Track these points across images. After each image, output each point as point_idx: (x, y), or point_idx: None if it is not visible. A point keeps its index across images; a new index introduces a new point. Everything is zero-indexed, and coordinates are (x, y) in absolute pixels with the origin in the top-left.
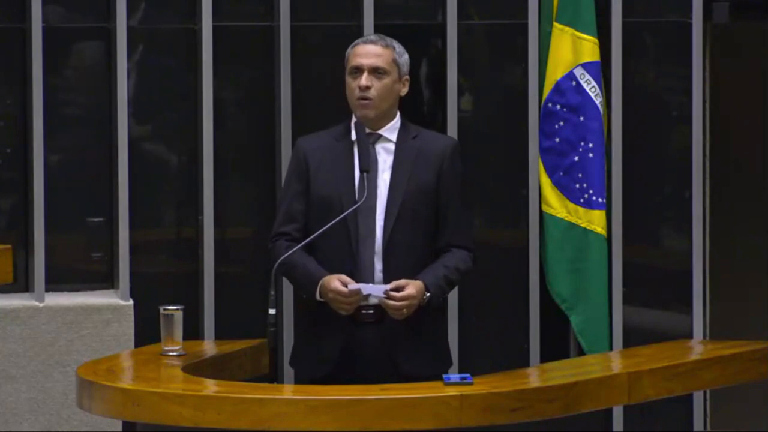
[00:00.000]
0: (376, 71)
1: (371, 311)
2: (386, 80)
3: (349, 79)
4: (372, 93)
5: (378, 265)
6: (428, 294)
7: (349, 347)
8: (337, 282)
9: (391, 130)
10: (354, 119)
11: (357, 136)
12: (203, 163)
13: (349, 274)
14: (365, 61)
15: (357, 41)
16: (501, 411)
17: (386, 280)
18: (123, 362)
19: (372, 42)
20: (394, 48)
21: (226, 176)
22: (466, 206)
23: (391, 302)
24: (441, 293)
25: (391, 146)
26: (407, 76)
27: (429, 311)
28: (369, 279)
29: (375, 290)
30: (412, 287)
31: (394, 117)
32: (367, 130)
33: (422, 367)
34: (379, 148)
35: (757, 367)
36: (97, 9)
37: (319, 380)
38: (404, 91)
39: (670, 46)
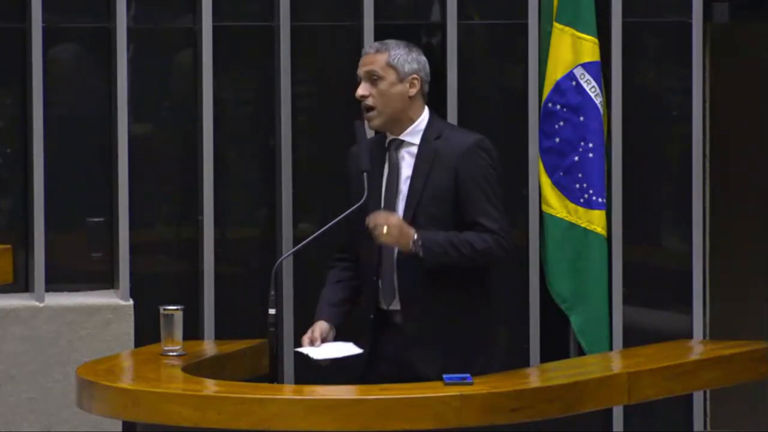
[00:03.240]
0: (370, 78)
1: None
2: (382, 85)
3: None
4: (370, 101)
5: (396, 270)
6: (417, 237)
7: (375, 348)
8: (307, 336)
9: (412, 134)
10: None
11: (356, 137)
12: (203, 163)
13: (375, 276)
14: (360, 71)
15: None
16: (501, 411)
17: (400, 285)
18: (123, 362)
19: (366, 52)
20: (388, 51)
21: (226, 176)
22: (494, 198)
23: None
24: (437, 247)
25: (414, 149)
26: (415, 76)
27: (453, 312)
28: (390, 282)
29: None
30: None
31: (414, 120)
32: (390, 136)
33: (435, 368)
34: (403, 153)
35: (757, 367)
36: (97, 9)
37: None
38: (412, 92)
39: (670, 46)
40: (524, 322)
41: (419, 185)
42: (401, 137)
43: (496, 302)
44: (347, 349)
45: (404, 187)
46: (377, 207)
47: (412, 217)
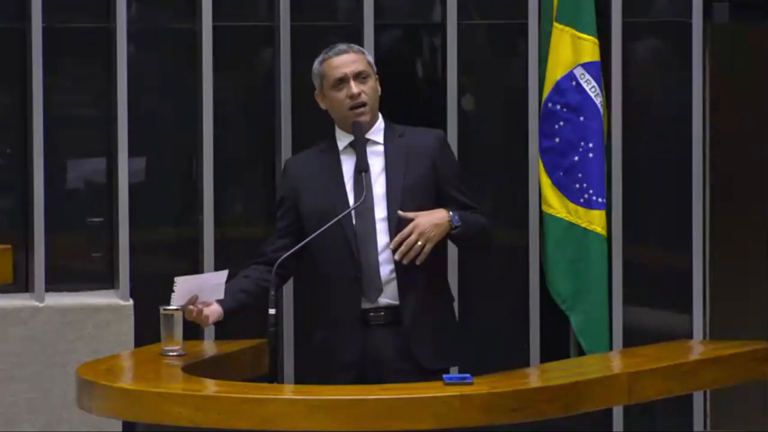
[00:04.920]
0: (360, 76)
1: (381, 313)
2: (371, 82)
3: (333, 93)
4: (364, 98)
5: (386, 266)
6: (451, 214)
7: (367, 352)
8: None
9: (376, 132)
10: (337, 130)
11: (354, 137)
12: (203, 163)
13: (354, 278)
14: (347, 70)
15: (325, 56)
16: (501, 411)
17: (399, 278)
18: (123, 362)
19: (344, 51)
20: (363, 51)
21: (226, 176)
22: (466, 189)
23: (397, 243)
24: (468, 218)
25: (380, 148)
26: (377, 75)
27: (441, 302)
28: (375, 281)
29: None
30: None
31: (377, 118)
32: (350, 137)
33: (445, 359)
34: (369, 151)
35: (757, 367)
36: (97, 9)
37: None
38: (379, 89)
39: (670, 46)
40: (524, 322)
41: (398, 179)
42: (368, 136)
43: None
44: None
45: (378, 182)
46: (344, 206)
47: (399, 208)
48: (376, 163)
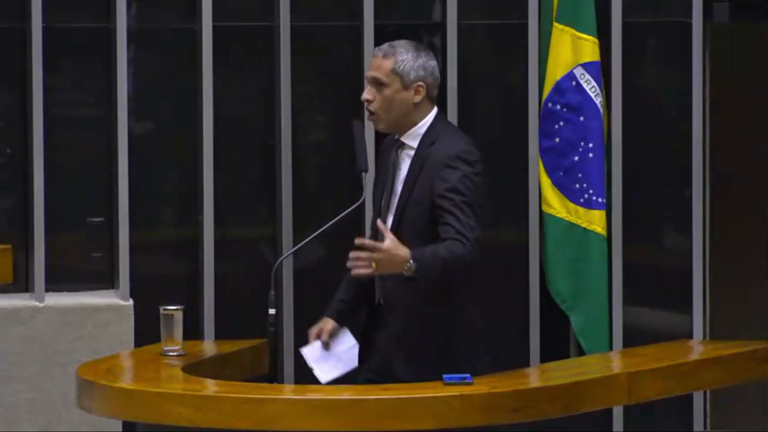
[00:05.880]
0: (376, 83)
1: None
2: (386, 92)
3: None
4: (373, 106)
5: None
6: (412, 261)
7: (367, 341)
8: (314, 330)
9: (412, 137)
10: None
11: (354, 136)
12: (203, 163)
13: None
14: (368, 73)
15: None
16: (501, 411)
17: (383, 286)
18: (123, 362)
19: (375, 54)
20: (395, 57)
21: (227, 176)
22: (467, 208)
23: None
24: (429, 269)
25: (412, 153)
26: (420, 83)
27: (429, 314)
28: (377, 280)
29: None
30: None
31: (415, 124)
32: (395, 136)
33: (415, 372)
34: (404, 154)
35: (757, 367)
36: (97, 9)
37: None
38: (417, 98)
39: (670, 46)
40: (524, 322)
41: (407, 189)
42: (402, 139)
43: (469, 315)
44: (348, 361)
45: (399, 188)
46: (386, 198)
47: (396, 221)
48: (405, 167)
